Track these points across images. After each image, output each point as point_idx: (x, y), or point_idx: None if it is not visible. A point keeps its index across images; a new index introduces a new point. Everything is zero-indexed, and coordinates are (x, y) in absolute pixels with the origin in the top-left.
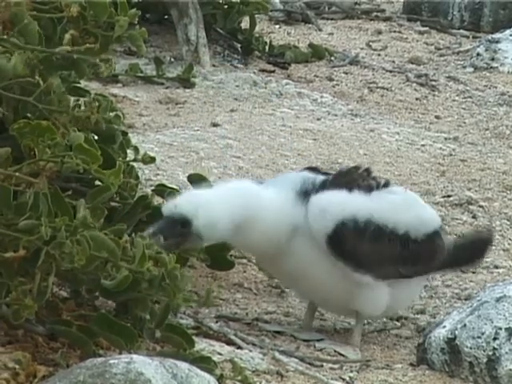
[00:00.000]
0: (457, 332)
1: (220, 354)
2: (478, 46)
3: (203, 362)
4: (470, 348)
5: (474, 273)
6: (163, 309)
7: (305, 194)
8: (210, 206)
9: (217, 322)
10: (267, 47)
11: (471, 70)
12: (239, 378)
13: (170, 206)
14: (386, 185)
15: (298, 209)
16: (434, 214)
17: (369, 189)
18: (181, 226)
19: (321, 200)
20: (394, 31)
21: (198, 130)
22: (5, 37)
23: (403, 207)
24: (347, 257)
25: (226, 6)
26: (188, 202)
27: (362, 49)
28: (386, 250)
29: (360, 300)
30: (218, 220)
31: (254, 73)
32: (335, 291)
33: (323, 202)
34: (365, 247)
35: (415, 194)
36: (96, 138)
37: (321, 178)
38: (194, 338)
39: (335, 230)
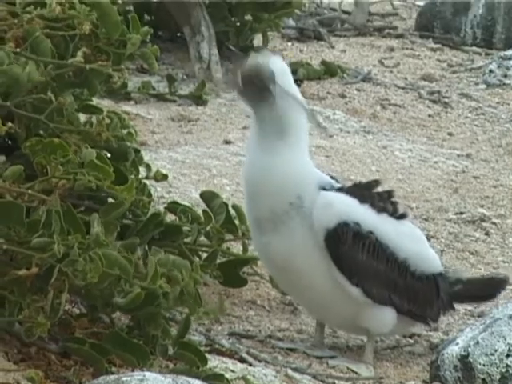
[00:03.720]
0: (470, 349)
1: (233, 371)
2: (491, 63)
3: (216, 380)
4: (483, 365)
5: None
6: (183, 323)
7: (322, 188)
8: None
9: (229, 339)
10: None
11: (484, 86)
12: None
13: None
14: (403, 216)
15: (311, 188)
16: (436, 259)
17: (382, 210)
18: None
19: (330, 196)
20: (407, 48)
21: (210, 148)
22: (18, 50)
23: (408, 237)
24: (342, 259)
25: (238, 24)
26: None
27: (374, 66)
28: (381, 268)
29: (366, 317)
30: None
31: None
32: (331, 299)
33: (332, 198)
34: (361, 256)
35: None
36: (108, 155)
37: (338, 184)
38: (206, 355)
39: (336, 227)
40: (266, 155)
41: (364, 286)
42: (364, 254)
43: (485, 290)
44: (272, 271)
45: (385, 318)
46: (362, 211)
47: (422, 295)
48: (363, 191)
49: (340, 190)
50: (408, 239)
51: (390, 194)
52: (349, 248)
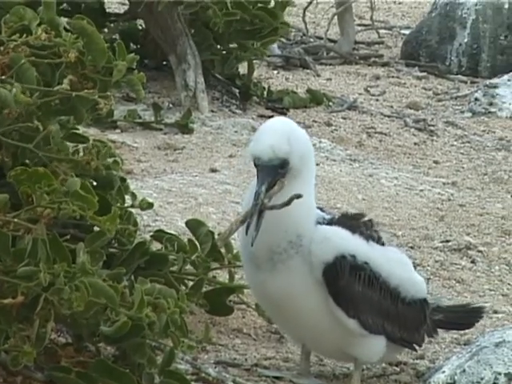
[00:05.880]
0: (456, 377)
1: None
2: (476, 91)
3: None
4: None
5: None
6: (167, 355)
7: (317, 222)
8: None
9: (215, 367)
10: (265, 92)
11: (469, 115)
12: None
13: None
14: (383, 242)
15: (311, 225)
16: (423, 283)
17: (370, 238)
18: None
19: (327, 230)
20: (392, 76)
21: (196, 176)
22: (3, 77)
23: (397, 263)
24: (340, 293)
25: (224, 52)
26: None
27: (360, 94)
28: (375, 297)
29: (357, 347)
30: None
31: (253, 118)
32: (326, 333)
33: (329, 232)
34: (357, 288)
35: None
36: (94, 183)
37: (328, 216)
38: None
39: (335, 261)
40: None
41: (360, 317)
42: (360, 285)
43: (464, 318)
44: (266, 307)
45: (375, 346)
46: (356, 242)
47: (411, 321)
48: (351, 222)
49: (331, 221)
50: (397, 265)
51: (371, 222)
52: (346, 281)
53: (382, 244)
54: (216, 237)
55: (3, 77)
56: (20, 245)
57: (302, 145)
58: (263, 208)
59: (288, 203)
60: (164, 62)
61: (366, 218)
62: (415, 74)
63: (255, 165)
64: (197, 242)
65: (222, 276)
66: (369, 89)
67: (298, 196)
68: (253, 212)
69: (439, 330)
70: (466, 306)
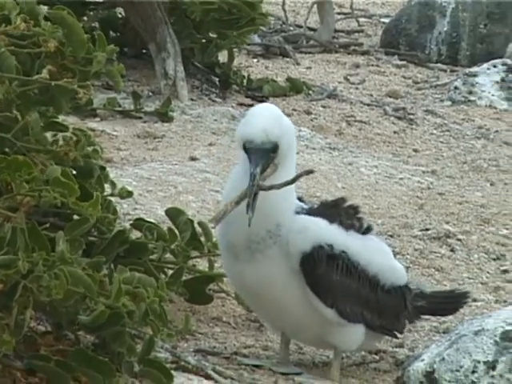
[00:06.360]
0: (435, 365)
1: None
2: (456, 80)
3: None
4: (449, 381)
5: None
6: (147, 343)
7: (296, 212)
8: None
9: (195, 356)
10: (245, 81)
11: (449, 103)
12: None
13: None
14: (369, 229)
15: (290, 215)
16: (402, 270)
17: (349, 227)
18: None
19: (305, 220)
20: (372, 65)
21: (176, 164)
22: None
23: (376, 251)
24: (317, 283)
25: (203, 41)
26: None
27: (339, 82)
28: (354, 286)
29: (336, 335)
30: None
31: (232, 107)
32: (305, 321)
33: (307, 221)
34: (335, 277)
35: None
36: (74, 172)
37: (306, 206)
38: (172, 372)
39: (312, 251)
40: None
41: (338, 306)
42: (338, 274)
43: (448, 303)
44: (245, 296)
45: (354, 335)
46: (334, 232)
47: (391, 308)
48: (331, 210)
49: (309, 210)
50: (376, 253)
51: (355, 209)
52: (324, 270)
53: (366, 230)
54: (210, 218)
55: None
56: None
57: (291, 131)
58: (260, 188)
59: (292, 182)
60: (144, 51)
61: (349, 204)
62: (395, 62)
63: (245, 149)
64: (176, 231)
65: (202, 264)
66: (348, 77)
67: (309, 172)
68: (249, 193)
69: (423, 316)
70: (450, 291)
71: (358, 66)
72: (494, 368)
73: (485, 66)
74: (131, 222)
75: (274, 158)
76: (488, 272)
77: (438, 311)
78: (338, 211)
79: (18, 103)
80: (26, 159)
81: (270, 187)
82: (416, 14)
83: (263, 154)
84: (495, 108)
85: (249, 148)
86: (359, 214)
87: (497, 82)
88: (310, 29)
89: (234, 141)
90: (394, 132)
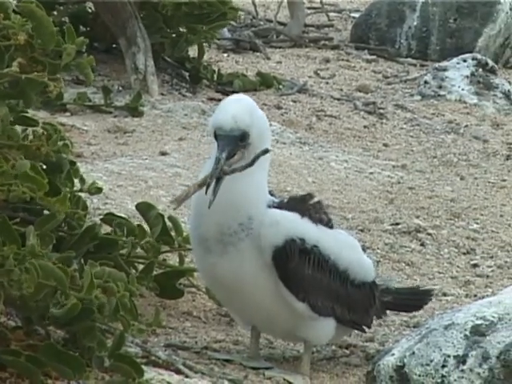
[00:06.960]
0: (405, 360)
1: (169, 382)
2: (426, 75)
3: None
4: (419, 375)
5: None
6: (117, 338)
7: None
8: None
9: (166, 350)
10: (215, 76)
11: (419, 98)
12: None
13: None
14: (332, 225)
15: (262, 208)
16: (371, 265)
17: (318, 221)
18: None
19: (277, 214)
20: (342, 59)
21: (146, 159)
22: None
23: (346, 246)
24: (289, 276)
25: (174, 35)
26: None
27: (310, 77)
28: (325, 280)
29: (307, 329)
30: None
31: (203, 101)
32: (276, 315)
33: (279, 215)
34: (307, 271)
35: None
36: (44, 167)
37: (277, 200)
38: (142, 366)
39: (284, 245)
40: None
41: (310, 300)
42: (309, 268)
43: (413, 300)
44: (216, 290)
45: (325, 328)
46: (305, 226)
47: (360, 303)
48: (300, 204)
49: (280, 204)
50: (346, 248)
51: (320, 204)
52: (296, 264)
53: (332, 226)
54: (171, 199)
55: None
56: None
57: (263, 123)
58: (223, 173)
59: (251, 164)
60: (114, 45)
61: (315, 200)
62: (365, 57)
63: (215, 136)
64: (146, 227)
65: (173, 259)
66: (319, 72)
67: (265, 151)
68: (212, 175)
69: (389, 312)
70: (414, 288)
71: (328, 60)
72: (464, 362)
73: (455, 60)
74: (101, 216)
75: (245, 146)
76: (458, 266)
77: (402, 307)
78: (307, 206)
79: None
80: None
81: (232, 170)
82: (386, 8)
83: (231, 141)
84: (465, 102)
85: (218, 135)
86: (324, 208)
87: (467, 77)
88: (280, 23)
89: (208, 132)
90: (364, 126)
